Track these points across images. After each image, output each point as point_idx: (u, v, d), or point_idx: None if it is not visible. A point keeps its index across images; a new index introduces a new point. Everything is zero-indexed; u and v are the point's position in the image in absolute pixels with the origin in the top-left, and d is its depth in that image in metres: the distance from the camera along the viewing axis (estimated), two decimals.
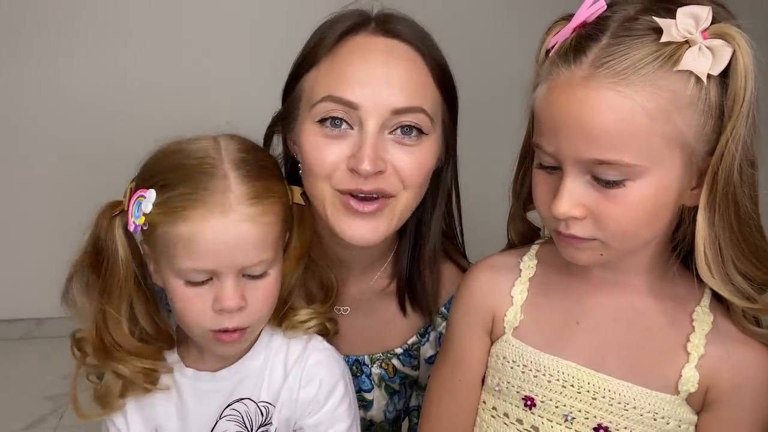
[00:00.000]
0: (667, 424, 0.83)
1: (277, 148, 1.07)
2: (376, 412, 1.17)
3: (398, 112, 0.92)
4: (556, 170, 0.80)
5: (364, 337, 1.13)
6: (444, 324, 1.10)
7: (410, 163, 0.94)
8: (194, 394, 0.94)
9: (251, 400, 0.94)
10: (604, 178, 0.75)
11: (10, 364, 2.19)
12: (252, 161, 0.87)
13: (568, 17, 0.81)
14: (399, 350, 1.14)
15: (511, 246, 1.01)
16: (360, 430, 1.01)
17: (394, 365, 1.14)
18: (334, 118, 0.93)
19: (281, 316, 0.95)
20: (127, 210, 0.85)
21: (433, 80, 0.96)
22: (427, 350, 1.13)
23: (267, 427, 0.94)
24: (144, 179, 0.87)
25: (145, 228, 0.84)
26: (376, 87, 0.91)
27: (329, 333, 1.01)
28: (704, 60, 0.72)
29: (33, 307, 2.26)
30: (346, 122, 0.93)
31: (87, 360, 0.92)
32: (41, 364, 2.05)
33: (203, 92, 2.18)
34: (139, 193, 0.84)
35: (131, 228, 0.85)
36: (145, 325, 0.92)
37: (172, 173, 0.84)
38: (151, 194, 0.83)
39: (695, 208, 0.78)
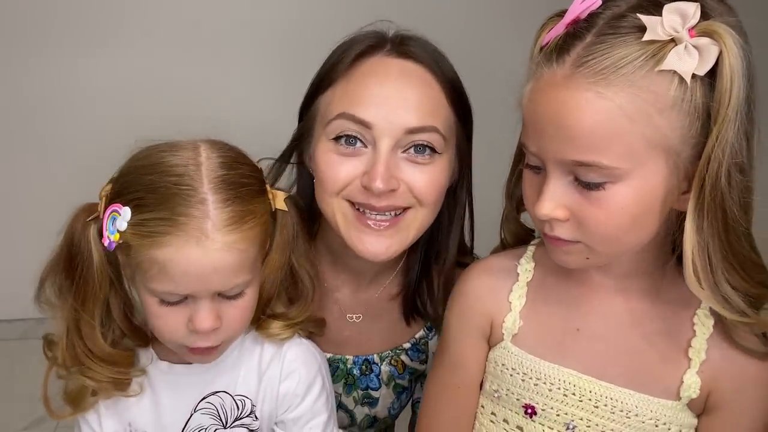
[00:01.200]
0: (669, 429, 0.82)
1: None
2: (381, 409, 1.18)
3: (412, 131, 0.93)
4: (541, 170, 0.79)
5: (374, 339, 1.14)
6: None
7: (423, 180, 0.95)
8: (169, 388, 0.94)
9: (227, 393, 0.94)
10: (585, 180, 0.74)
11: (10, 364, 2.19)
12: (233, 180, 0.84)
13: (562, 13, 0.79)
14: (407, 345, 1.15)
15: (504, 246, 1.00)
16: (336, 422, 1.01)
17: (403, 361, 1.15)
18: (348, 137, 0.94)
19: (258, 322, 0.95)
20: (102, 220, 0.84)
21: (447, 100, 0.97)
22: (435, 343, 1.13)
23: (244, 420, 0.94)
24: (119, 192, 0.84)
25: (120, 242, 0.82)
26: (390, 107, 0.92)
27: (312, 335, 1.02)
28: (690, 59, 0.69)
29: (33, 307, 2.25)
30: (360, 140, 0.94)
31: (58, 361, 0.90)
32: (41, 364, 2.04)
33: (207, 95, 2.17)
34: (114, 207, 0.82)
35: (105, 243, 0.82)
36: (121, 325, 0.91)
37: (149, 194, 0.81)
38: (126, 212, 0.81)
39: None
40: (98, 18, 2.16)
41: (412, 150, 0.95)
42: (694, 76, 0.69)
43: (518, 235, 0.97)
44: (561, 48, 0.74)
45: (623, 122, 0.70)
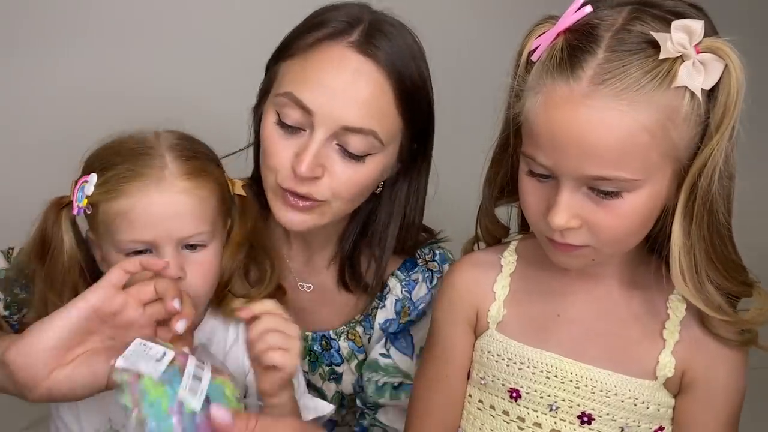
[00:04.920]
0: (647, 408, 0.87)
1: None
2: (346, 386, 1.21)
3: (349, 129, 0.95)
4: (548, 179, 0.81)
5: (326, 313, 1.18)
6: (400, 288, 1.14)
7: (346, 176, 0.98)
8: None
9: None
10: (602, 189, 0.77)
11: None
12: (188, 147, 0.93)
13: (550, 19, 0.81)
14: (360, 317, 1.18)
15: (477, 239, 1.04)
16: (304, 382, 1.06)
17: (358, 333, 1.18)
18: (289, 126, 0.97)
19: (219, 301, 0.99)
20: (72, 197, 0.90)
21: (397, 107, 0.98)
22: (381, 315, 1.16)
23: None
24: (86, 168, 0.92)
25: (88, 211, 0.89)
26: (335, 101, 0.94)
27: None
28: (697, 75, 0.73)
29: None
30: (299, 127, 0.97)
31: None
32: None
33: (180, 94, 2.15)
34: (83, 179, 0.89)
35: (75, 211, 0.90)
36: None
37: (113, 156, 0.90)
38: (92, 177, 0.88)
39: (673, 206, 0.80)
40: (68, 16, 2.14)
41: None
42: (701, 90, 0.74)
43: (493, 231, 1.01)
44: (572, 62, 0.75)
45: (645, 138, 0.74)
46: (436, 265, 1.14)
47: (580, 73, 0.74)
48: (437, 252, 1.17)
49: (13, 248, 1.03)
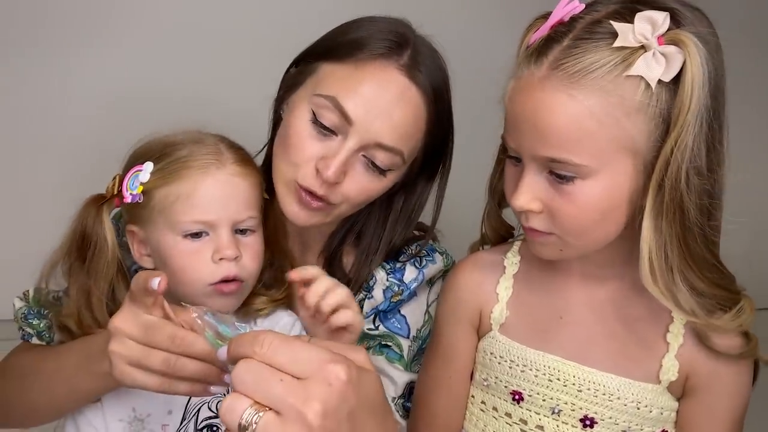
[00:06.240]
0: (650, 412, 0.86)
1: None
2: None
3: (381, 146, 0.97)
4: (519, 162, 0.83)
5: None
6: (386, 276, 1.14)
7: (363, 186, 1.00)
8: None
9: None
10: (558, 173, 0.78)
11: None
12: (231, 140, 0.97)
13: (548, 14, 0.82)
14: None
15: (484, 240, 1.04)
16: None
17: None
18: (326, 127, 0.97)
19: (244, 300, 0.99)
20: (121, 187, 0.93)
21: (426, 130, 1.02)
22: (368, 305, 1.15)
23: None
24: (136, 159, 0.95)
25: (140, 200, 0.91)
26: (374, 117, 0.96)
27: None
28: (656, 66, 0.72)
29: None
30: (335, 130, 0.98)
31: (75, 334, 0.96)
32: None
33: (200, 96, 2.16)
34: (135, 168, 0.92)
35: (127, 200, 0.92)
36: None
37: (166, 147, 0.93)
38: (148, 166, 0.91)
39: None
40: (86, 17, 2.15)
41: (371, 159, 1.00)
42: (660, 82, 0.73)
43: (498, 231, 1.02)
44: (540, 50, 0.78)
45: (592, 124, 0.74)
46: (424, 252, 1.15)
47: (543, 59, 0.77)
48: (424, 247, 1.17)
49: (28, 291, 1.05)
